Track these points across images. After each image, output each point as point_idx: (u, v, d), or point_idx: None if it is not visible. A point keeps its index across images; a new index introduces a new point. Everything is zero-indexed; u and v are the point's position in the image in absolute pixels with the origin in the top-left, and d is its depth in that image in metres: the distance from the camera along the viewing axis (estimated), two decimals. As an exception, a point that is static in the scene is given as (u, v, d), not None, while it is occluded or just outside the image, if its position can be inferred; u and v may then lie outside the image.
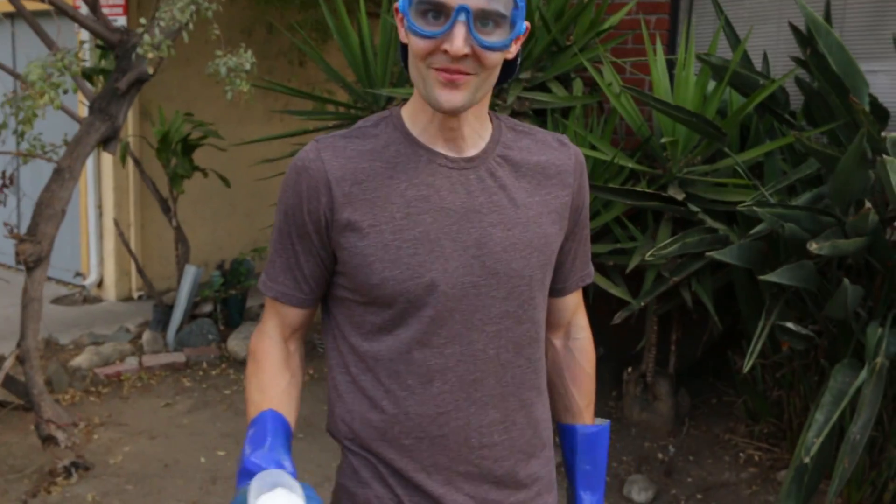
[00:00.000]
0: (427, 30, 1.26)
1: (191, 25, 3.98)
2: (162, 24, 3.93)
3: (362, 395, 1.40)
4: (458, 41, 1.24)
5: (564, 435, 1.61)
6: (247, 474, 1.25)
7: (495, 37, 1.27)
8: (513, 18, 1.28)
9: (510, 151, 1.41)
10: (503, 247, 1.36)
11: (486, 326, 1.37)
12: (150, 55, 3.90)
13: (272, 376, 1.41)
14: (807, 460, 2.92)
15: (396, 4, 1.32)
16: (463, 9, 1.23)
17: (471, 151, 1.38)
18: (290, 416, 1.40)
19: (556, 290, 1.55)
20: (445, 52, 1.26)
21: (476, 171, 1.37)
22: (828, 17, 4.39)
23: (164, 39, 3.87)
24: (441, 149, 1.37)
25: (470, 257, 1.35)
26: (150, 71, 4.14)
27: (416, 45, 1.28)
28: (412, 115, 1.39)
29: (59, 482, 3.86)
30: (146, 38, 3.85)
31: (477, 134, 1.39)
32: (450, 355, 1.36)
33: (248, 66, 4.00)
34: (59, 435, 4.02)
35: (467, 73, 1.27)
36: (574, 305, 1.59)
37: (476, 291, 1.35)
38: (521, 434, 1.43)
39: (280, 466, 1.25)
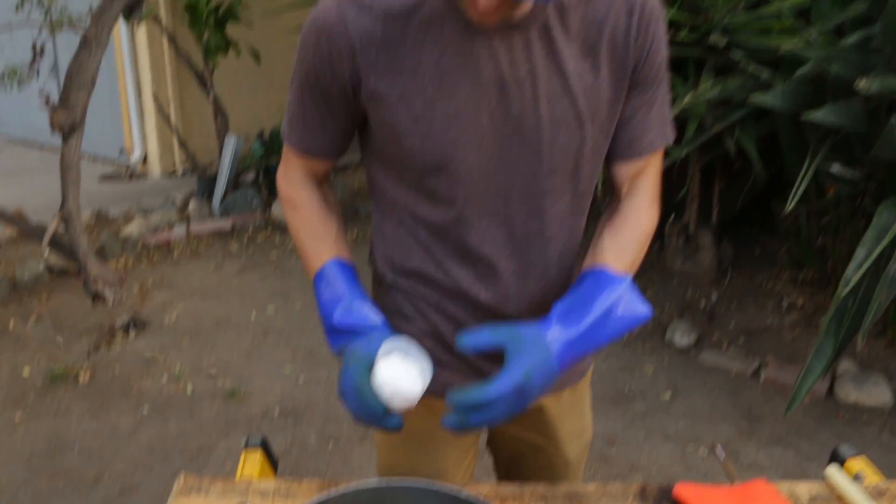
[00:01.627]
0: None
1: None
2: None
3: (404, 244, 1.33)
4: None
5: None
6: (337, 333, 1.23)
7: None
8: None
9: (565, 4, 1.18)
10: (549, 120, 1.20)
11: (526, 204, 1.26)
12: None
13: (322, 222, 1.34)
14: (845, 292, 2.92)
15: None
16: None
17: (517, 10, 1.13)
18: (350, 257, 1.33)
19: (617, 154, 1.33)
20: None
21: (522, 35, 1.15)
22: None
23: None
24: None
25: (510, 133, 1.20)
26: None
27: None
28: None
29: (118, 338, 4.03)
30: None
31: None
32: (485, 229, 1.27)
33: None
34: (107, 291, 4.18)
35: None
36: (635, 171, 1.33)
37: (516, 168, 1.23)
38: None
39: (366, 319, 1.22)
